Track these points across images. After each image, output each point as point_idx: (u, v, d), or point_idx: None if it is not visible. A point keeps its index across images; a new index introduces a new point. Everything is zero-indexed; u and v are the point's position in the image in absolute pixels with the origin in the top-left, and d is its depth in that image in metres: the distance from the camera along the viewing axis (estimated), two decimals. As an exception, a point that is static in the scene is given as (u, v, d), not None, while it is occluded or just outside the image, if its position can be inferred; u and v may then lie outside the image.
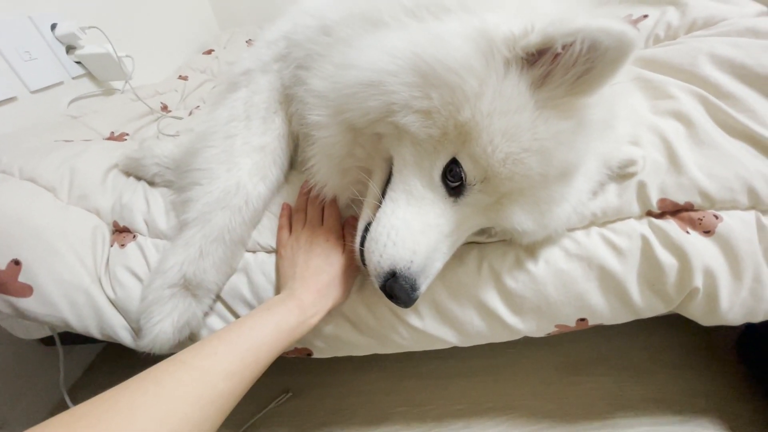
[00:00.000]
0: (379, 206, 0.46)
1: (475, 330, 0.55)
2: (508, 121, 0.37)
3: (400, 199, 0.44)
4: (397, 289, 0.42)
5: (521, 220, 0.43)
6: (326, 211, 0.57)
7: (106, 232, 0.63)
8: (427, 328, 0.55)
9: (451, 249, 0.46)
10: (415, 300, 0.44)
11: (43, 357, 0.94)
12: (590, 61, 0.34)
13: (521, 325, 0.54)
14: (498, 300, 0.53)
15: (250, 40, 1.70)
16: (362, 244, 0.46)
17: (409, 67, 0.39)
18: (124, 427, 0.32)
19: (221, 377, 0.40)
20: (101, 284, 0.60)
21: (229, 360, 0.41)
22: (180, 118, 1.04)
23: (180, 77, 1.42)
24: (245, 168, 0.57)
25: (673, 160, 0.50)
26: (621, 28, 0.31)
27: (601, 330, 0.65)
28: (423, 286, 0.43)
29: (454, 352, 0.87)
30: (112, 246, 0.62)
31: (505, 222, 0.43)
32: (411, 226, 0.43)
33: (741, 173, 0.47)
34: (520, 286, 0.51)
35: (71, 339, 0.73)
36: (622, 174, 0.51)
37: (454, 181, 0.42)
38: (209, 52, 1.64)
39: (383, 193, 0.46)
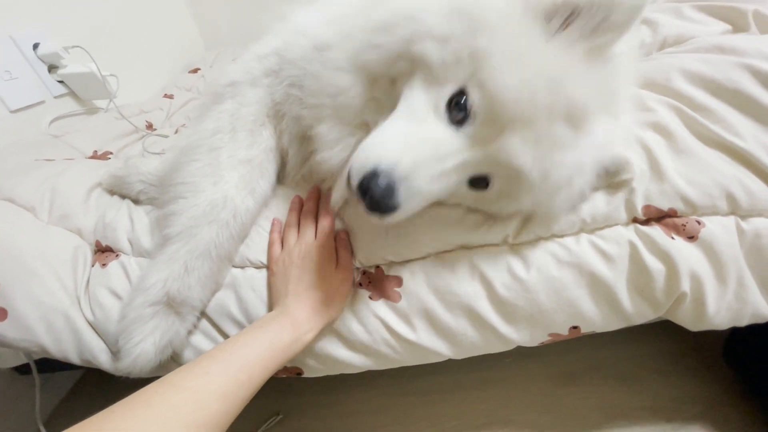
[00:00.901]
0: None
1: (469, 341, 0.55)
2: (522, 45, 0.40)
3: (401, 117, 0.44)
4: (373, 184, 0.39)
5: (520, 152, 0.41)
6: (319, 226, 0.56)
7: (87, 252, 0.61)
8: (420, 340, 0.54)
9: (440, 181, 0.42)
10: (389, 210, 0.41)
11: (18, 386, 0.89)
12: (608, 9, 0.38)
13: (515, 335, 0.54)
14: (491, 309, 0.53)
15: (236, 59, 1.72)
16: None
17: (438, 8, 0.42)
18: None
19: (213, 398, 0.39)
20: (80, 306, 0.57)
21: (221, 380, 0.40)
22: (166, 136, 1.04)
23: (165, 95, 1.41)
24: (232, 181, 0.56)
25: (655, 168, 0.51)
26: None
27: (592, 339, 0.65)
28: (401, 195, 0.40)
29: (447, 367, 0.86)
30: (93, 266, 0.60)
31: (503, 154, 0.41)
32: (405, 136, 0.42)
33: (719, 180, 0.49)
34: (513, 295, 0.51)
35: (49, 366, 0.70)
36: (615, 182, 0.50)
37: (459, 111, 0.42)
38: (195, 70, 1.64)
39: None
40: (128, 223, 0.63)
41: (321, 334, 0.54)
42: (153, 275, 0.53)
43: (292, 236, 0.57)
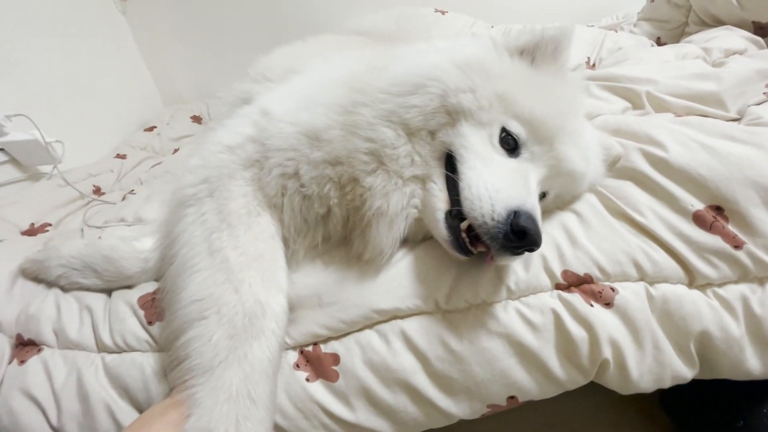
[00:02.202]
0: (448, 196, 0.52)
1: (410, 417, 0.54)
2: (525, 77, 0.56)
3: (476, 166, 0.50)
4: (525, 220, 0.44)
5: (573, 154, 0.54)
6: None
7: (6, 347, 0.57)
8: (359, 420, 0.53)
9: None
10: (539, 243, 0.46)
11: None
12: (554, 42, 0.57)
13: (454, 408, 0.54)
14: (428, 383, 0.53)
15: (195, 116, 1.73)
16: (452, 234, 0.50)
17: (451, 66, 0.54)
18: None
19: None
20: (-9, 411, 0.53)
21: None
22: (113, 203, 1.01)
23: (117, 156, 1.40)
24: (255, 283, 0.52)
25: (570, 237, 0.56)
26: (562, 26, 0.58)
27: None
28: (539, 223, 0.47)
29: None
30: (9, 363, 0.56)
31: (564, 163, 0.53)
32: (501, 177, 0.49)
33: (624, 248, 0.53)
34: (447, 367, 0.52)
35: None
36: (612, 158, 0.61)
37: (509, 144, 0.53)
38: (151, 128, 1.64)
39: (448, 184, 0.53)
40: (54, 313, 0.60)
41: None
42: (217, 424, 0.43)
43: None
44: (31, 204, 0.97)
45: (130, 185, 1.21)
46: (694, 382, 0.64)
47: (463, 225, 0.49)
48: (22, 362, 0.56)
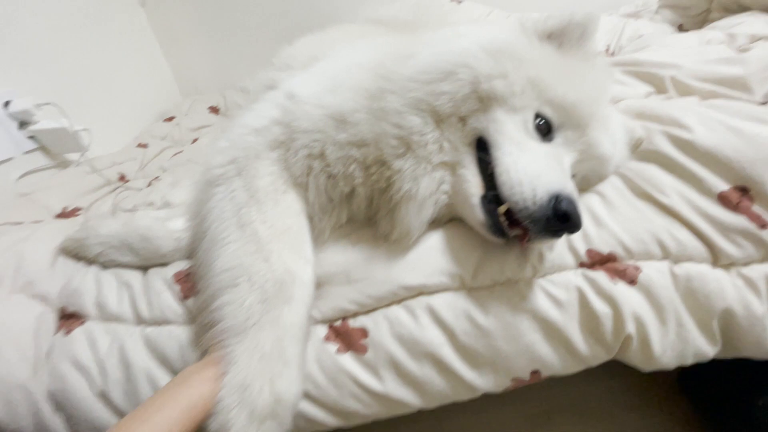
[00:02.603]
0: (482, 181, 0.53)
1: (436, 389, 0.56)
2: (556, 62, 0.56)
3: (513, 151, 0.51)
4: (567, 204, 0.45)
5: (604, 139, 0.55)
6: None
7: (51, 319, 0.61)
8: (388, 390, 0.55)
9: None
10: (580, 226, 0.47)
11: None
12: (580, 27, 0.57)
13: (479, 381, 0.55)
14: (454, 356, 0.55)
15: (213, 107, 1.76)
16: (490, 218, 0.51)
17: (481, 52, 0.53)
18: None
19: None
20: (40, 378, 0.56)
21: None
22: (139, 190, 1.04)
23: (139, 145, 1.43)
24: (284, 253, 0.54)
25: (594, 217, 0.57)
26: (589, 11, 0.57)
27: (558, 380, 0.68)
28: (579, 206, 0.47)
29: (420, 416, 0.86)
30: (56, 333, 0.60)
31: (594, 148, 0.55)
32: (539, 162, 0.50)
33: (649, 228, 0.54)
34: (473, 341, 0.54)
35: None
36: (634, 144, 0.62)
37: (544, 131, 0.54)
38: (170, 119, 1.67)
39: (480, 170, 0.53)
40: (95, 288, 0.63)
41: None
42: (254, 380, 0.46)
43: None
44: (62, 189, 1.01)
45: (152, 173, 1.25)
46: (713, 364, 0.65)
47: (501, 209, 0.50)
48: (68, 332, 0.59)
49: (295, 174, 0.61)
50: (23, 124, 1.12)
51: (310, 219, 0.63)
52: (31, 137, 1.14)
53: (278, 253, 0.54)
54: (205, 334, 0.52)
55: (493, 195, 0.51)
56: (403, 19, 1.24)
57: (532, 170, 0.48)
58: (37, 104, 1.12)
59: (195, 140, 1.50)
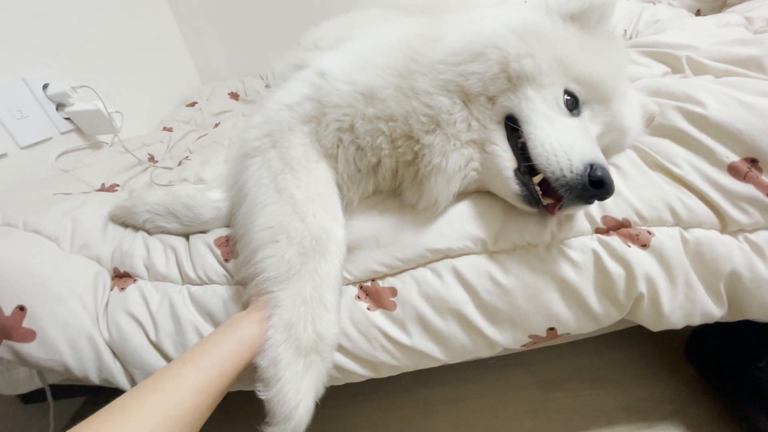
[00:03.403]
0: (512, 156, 0.55)
1: (459, 344, 0.60)
2: (580, 40, 0.58)
3: (544, 125, 0.53)
4: (601, 171, 0.49)
5: (625, 112, 0.59)
6: None
7: (107, 277, 0.67)
8: (415, 344, 0.60)
9: None
10: (613, 192, 0.51)
11: (21, 415, 0.90)
12: (599, 9, 0.59)
13: (499, 336, 0.60)
14: (477, 313, 0.59)
15: (233, 92, 1.81)
16: (526, 188, 0.54)
17: (509, 33, 0.56)
18: None
19: (187, 395, 0.41)
20: (99, 327, 0.62)
21: (193, 378, 0.43)
22: (170, 168, 1.10)
23: (165, 129, 1.49)
24: (319, 214, 0.58)
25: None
26: None
27: (572, 347, 0.72)
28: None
29: (441, 381, 0.91)
30: (112, 290, 0.65)
31: (618, 120, 0.59)
32: (571, 134, 0.53)
33: (662, 196, 0.58)
34: (495, 299, 0.58)
35: (53, 394, 0.73)
36: (648, 118, 0.65)
37: (571, 106, 0.57)
38: (192, 104, 1.72)
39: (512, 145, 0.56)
40: (144, 251, 0.68)
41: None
42: (298, 321, 0.51)
43: None
44: (98, 167, 1.07)
45: (179, 154, 1.30)
46: (718, 331, 0.69)
47: (536, 179, 0.53)
48: (122, 289, 0.64)
49: (326, 146, 0.66)
50: (60, 106, 1.18)
51: (340, 188, 0.67)
52: (67, 119, 1.20)
53: (313, 213, 0.59)
54: (249, 283, 0.57)
55: (526, 167, 0.54)
56: (422, 4, 1.27)
57: (565, 142, 0.51)
58: (73, 87, 1.18)
59: (217, 124, 1.55)
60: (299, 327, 0.51)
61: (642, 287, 0.56)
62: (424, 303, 0.60)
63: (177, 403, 0.41)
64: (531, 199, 0.54)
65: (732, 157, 0.58)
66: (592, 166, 0.49)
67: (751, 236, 0.57)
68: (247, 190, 0.65)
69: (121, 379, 0.62)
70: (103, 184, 1.00)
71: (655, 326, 0.61)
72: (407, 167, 0.63)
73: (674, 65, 0.75)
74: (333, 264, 0.57)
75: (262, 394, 0.49)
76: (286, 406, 0.48)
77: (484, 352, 0.63)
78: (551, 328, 0.60)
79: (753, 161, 0.57)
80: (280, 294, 0.53)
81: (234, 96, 1.81)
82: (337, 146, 0.66)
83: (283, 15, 1.88)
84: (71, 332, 0.59)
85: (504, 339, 0.60)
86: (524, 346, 0.63)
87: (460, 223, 0.61)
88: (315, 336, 0.52)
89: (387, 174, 0.66)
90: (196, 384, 0.43)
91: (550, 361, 0.91)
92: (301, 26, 1.26)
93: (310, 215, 0.58)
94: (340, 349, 0.61)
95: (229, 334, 0.50)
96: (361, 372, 0.62)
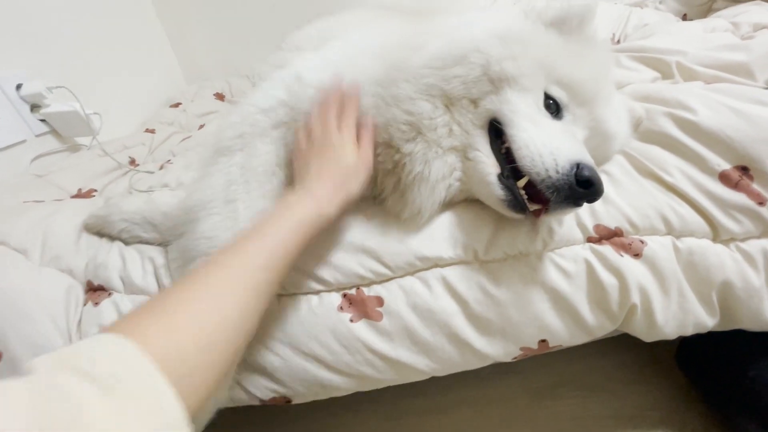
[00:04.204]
0: (495, 161, 0.54)
1: (447, 356, 0.59)
2: (561, 44, 0.58)
3: (528, 127, 0.52)
4: (589, 170, 0.47)
5: (609, 116, 0.58)
6: (342, 115, 0.60)
7: (80, 291, 0.63)
8: (401, 357, 0.58)
9: None
10: (602, 193, 0.49)
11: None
12: (578, 17, 0.58)
13: (489, 349, 0.58)
14: (467, 325, 0.57)
15: (218, 93, 1.77)
16: (510, 193, 0.53)
17: (490, 38, 0.56)
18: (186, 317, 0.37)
19: (258, 269, 0.44)
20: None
21: (260, 255, 0.45)
22: (151, 173, 1.06)
23: (147, 130, 1.44)
24: None
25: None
26: (586, 1, 0.59)
27: (563, 354, 0.71)
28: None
29: (428, 389, 0.89)
30: (85, 305, 0.62)
31: (602, 125, 0.58)
32: (556, 135, 0.52)
33: (654, 204, 0.57)
34: (485, 309, 0.56)
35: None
36: (635, 122, 0.65)
37: (553, 110, 0.56)
38: (176, 105, 1.68)
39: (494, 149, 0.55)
40: (120, 262, 0.65)
41: (306, 359, 0.58)
42: None
43: (317, 126, 0.60)
44: (75, 171, 1.03)
45: (162, 157, 1.26)
46: (709, 339, 0.68)
47: (521, 182, 0.51)
48: (96, 304, 0.61)
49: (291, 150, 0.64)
50: (35, 107, 1.13)
51: None
52: (43, 120, 1.15)
53: None
54: None
55: (509, 171, 0.53)
56: (409, 6, 1.25)
57: (550, 142, 0.50)
58: (49, 87, 1.13)
59: (201, 126, 1.51)
60: None
61: (635, 298, 0.55)
62: (412, 314, 0.58)
63: (249, 274, 0.43)
64: (516, 204, 0.52)
65: (723, 165, 0.57)
66: (578, 165, 0.48)
67: (743, 245, 0.56)
68: (205, 185, 0.64)
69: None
70: (79, 190, 0.96)
71: (648, 337, 0.60)
72: (387, 176, 0.61)
73: (664, 71, 0.75)
74: None
75: None
76: None
77: (474, 365, 0.61)
78: (543, 340, 0.59)
79: (744, 169, 0.57)
80: None
81: (220, 97, 1.77)
82: None
83: (271, 14, 1.85)
84: (40, 352, 0.55)
85: (494, 351, 0.59)
86: (515, 358, 0.62)
87: (450, 230, 0.60)
88: None
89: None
90: (263, 261, 0.45)
91: (539, 369, 0.90)
92: (288, 26, 1.23)
93: None
94: (321, 362, 0.59)
95: (287, 215, 0.50)
96: (343, 386, 0.60)
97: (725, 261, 0.55)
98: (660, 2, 1.25)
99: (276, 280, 0.46)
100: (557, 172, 0.48)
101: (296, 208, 0.51)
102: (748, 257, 0.56)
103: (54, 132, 1.19)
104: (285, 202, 0.53)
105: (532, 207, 0.52)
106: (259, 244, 0.46)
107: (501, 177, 0.53)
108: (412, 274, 0.59)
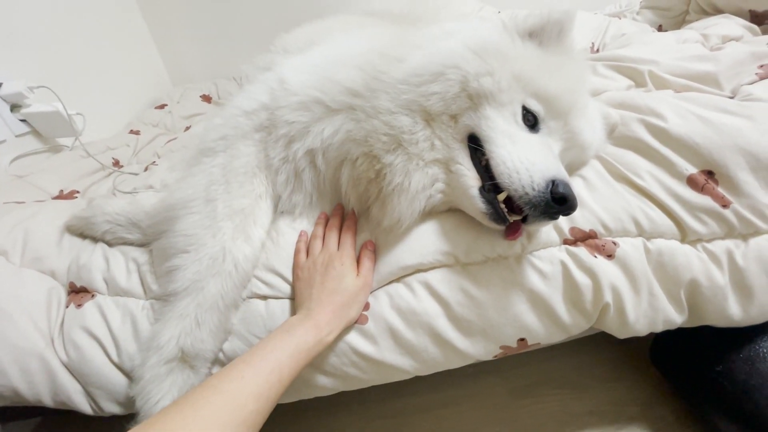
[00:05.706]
0: (476, 174, 0.55)
1: (431, 356, 0.60)
2: (538, 57, 0.59)
3: (505, 143, 0.53)
4: (564, 188, 0.49)
5: (585, 127, 0.59)
6: (342, 237, 0.62)
7: (62, 293, 0.63)
8: (385, 358, 0.59)
9: None
10: (576, 208, 0.51)
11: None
12: (558, 25, 0.60)
13: (471, 349, 0.60)
14: (448, 325, 0.59)
15: (205, 95, 1.76)
16: (491, 206, 0.54)
17: (467, 52, 0.56)
18: None
19: (250, 399, 0.43)
20: (55, 347, 0.58)
21: (255, 382, 0.45)
22: (135, 174, 1.05)
23: (131, 131, 1.43)
24: (228, 232, 0.60)
25: (577, 198, 0.61)
26: (566, 10, 0.60)
27: (542, 353, 0.73)
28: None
29: (416, 389, 0.91)
30: (68, 307, 0.62)
31: (577, 136, 0.59)
32: (532, 151, 0.53)
33: (626, 207, 0.59)
34: (466, 311, 0.58)
35: (3, 416, 0.68)
36: (610, 128, 0.67)
37: (530, 122, 0.57)
38: (162, 106, 1.66)
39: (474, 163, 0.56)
40: (103, 264, 0.65)
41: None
42: (165, 333, 0.55)
43: (317, 246, 0.61)
44: (57, 173, 1.01)
45: (146, 159, 1.25)
46: (680, 337, 0.71)
47: (501, 197, 0.53)
48: (79, 306, 0.61)
49: (270, 156, 0.66)
50: (15, 107, 1.11)
51: (279, 197, 0.68)
52: (23, 120, 1.13)
53: (224, 231, 0.60)
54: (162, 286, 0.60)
55: (490, 185, 0.54)
56: (397, 13, 1.27)
57: (527, 158, 0.51)
58: (30, 87, 1.11)
59: (187, 128, 1.50)
60: (163, 339, 0.55)
61: (608, 297, 0.57)
62: (396, 316, 0.59)
63: (241, 405, 0.42)
64: (497, 216, 0.54)
65: (690, 170, 0.60)
66: (554, 182, 0.50)
67: (709, 246, 0.59)
68: (186, 184, 0.66)
69: (79, 401, 0.59)
70: (61, 191, 0.95)
71: (620, 334, 0.62)
72: (370, 184, 0.61)
73: (637, 79, 0.78)
74: (222, 285, 0.58)
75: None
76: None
77: (456, 364, 0.63)
78: (522, 339, 0.61)
79: (710, 173, 0.60)
80: (167, 308, 0.57)
81: (206, 98, 1.76)
82: (283, 160, 0.65)
83: (258, 16, 1.84)
84: (21, 354, 0.55)
85: (476, 351, 0.61)
86: (495, 356, 0.63)
87: (431, 238, 0.61)
88: (177, 349, 0.55)
89: (350, 192, 0.64)
90: (258, 389, 0.44)
91: (520, 367, 0.92)
92: (276, 28, 1.24)
93: (221, 233, 0.60)
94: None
95: (286, 341, 0.50)
96: (329, 386, 0.61)
97: (692, 261, 0.58)
98: (637, 13, 1.30)
99: (267, 408, 0.46)
100: (533, 189, 0.50)
101: (298, 332, 0.52)
102: (713, 257, 0.59)
103: (35, 132, 1.17)
104: (287, 325, 0.54)
105: (512, 218, 0.54)
106: (255, 370, 0.46)
107: (482, 190, 0.55)
108: (396, 281, 0.61)
